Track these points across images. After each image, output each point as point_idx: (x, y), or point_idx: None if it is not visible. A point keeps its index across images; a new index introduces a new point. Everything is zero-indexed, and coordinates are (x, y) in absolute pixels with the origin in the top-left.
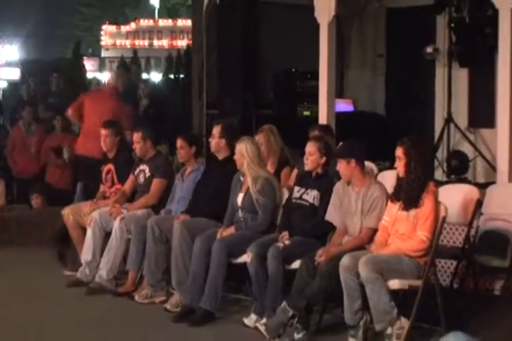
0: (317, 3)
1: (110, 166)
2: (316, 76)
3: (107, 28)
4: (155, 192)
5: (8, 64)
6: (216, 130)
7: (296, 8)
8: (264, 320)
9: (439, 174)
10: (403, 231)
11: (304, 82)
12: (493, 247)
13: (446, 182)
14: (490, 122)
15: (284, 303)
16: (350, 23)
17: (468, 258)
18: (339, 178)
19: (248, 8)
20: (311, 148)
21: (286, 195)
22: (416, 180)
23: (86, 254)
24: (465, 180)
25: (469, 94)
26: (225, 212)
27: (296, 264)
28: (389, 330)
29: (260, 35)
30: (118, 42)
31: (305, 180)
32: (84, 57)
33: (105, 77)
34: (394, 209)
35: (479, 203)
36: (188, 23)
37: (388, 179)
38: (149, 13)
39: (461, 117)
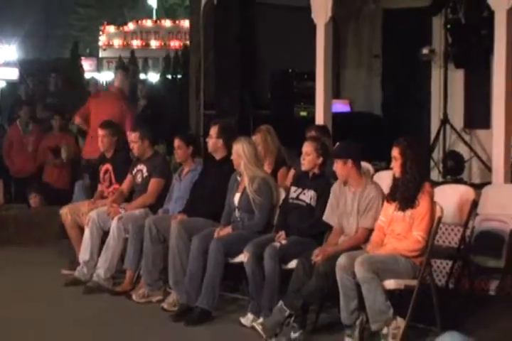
0: (314, 4)
1: (108, 166)
2: (312, 76)
3: (105, 29)
4: (152, 192)
5: (7, 64)
6: (213, 130)
7: (293, 9)
8: (260, 320)
9: (435, 174)
10: (399, 232)
11: (300, 83)
12: (489, 247)
13: (442, 183)
14: (485, 123)
15: (280, 303)
16: (346, 24)
17: (464, 258)
18: (336, 178)
19: (245, 8)
20: (307, 148)
21: (283, 195)
22: (412, 181)
23: (84, 253)
24: (461, 181)
25: (465, 95)
26: (222, 212)
27: (292, 264)
28: (385, 330)
29: (257, 36)
30: (116, 42)
31: (302, 180)
32: (82, 58)
33: (103, 77)
34: (390, 209)
35: (475, 203)
36: (186, 23)
37: (384, 179)
38: (147, 13)
39: (457, 118)
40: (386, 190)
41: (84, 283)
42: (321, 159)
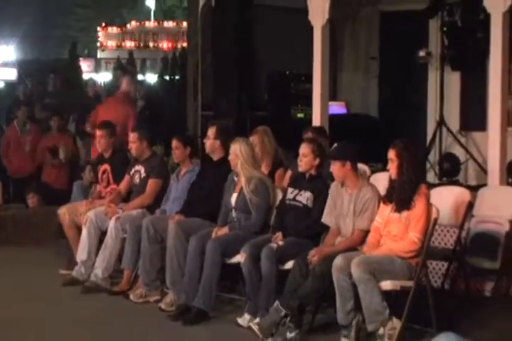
0: (311, 6)
1: (106, 166)
2: (309, 78)
3: (103, 29)
4: (150, 193)
5: (5, 64)
6: (211, 131)
7: (290, 11)
8: (257, 320)
9: (431, 176)
10: (395, 233)
11: (297, 85)
12: (484, 249)
13: (438, 185)
14: (481, 125)
15: (276, 303)
16: (343, 26)
17: (460, 259)
18: (333, 180)
19: (243, 10)
20: (304, 149)
21: (280, 196)
22: (408, 182)
23: (81, 253)
24: (457, 183)
25: (461, 97)
26: (219, 213)
27: (289, 265)
28: (381, 331)
29: (255, 38)
30: (114, 43)
31: (299, 181)
32: (81, 58)
33: (101, 77)
34: (386, 210)
35: (470, 205)
36: (184, 25)
37: (381, 181)
38: (145, 14)
39: (453, 120)
40: (382, 191)
41: (82, 283)
42: (317, 160)
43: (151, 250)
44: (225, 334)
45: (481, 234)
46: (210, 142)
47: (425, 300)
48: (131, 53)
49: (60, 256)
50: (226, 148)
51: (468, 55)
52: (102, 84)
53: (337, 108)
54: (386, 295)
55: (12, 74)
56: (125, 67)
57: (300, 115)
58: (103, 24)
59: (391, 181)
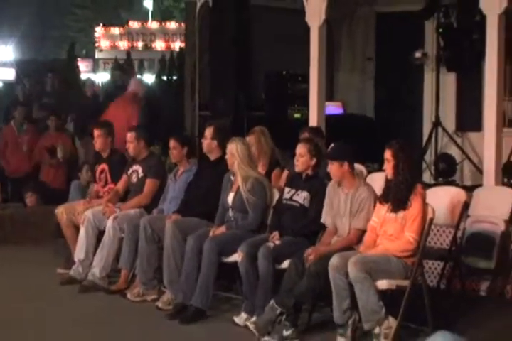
0: (308, 7)
1: (104, 166)
2: (306, 79)
3: (101, 30)
4: (148, 193)
5: (3, 64)
6: (208, 131)
7: (287, 11)
8: (254, 319)
9: (427, 176)
10: (391, 232)
11: (294, 85)
12: (480, 249)
13: (434, 185)
14: (477, 126)
15: (272, 301)
16: (340, 27)
17: (455, 259)
18: (329, 179)
19: (240, 11)
20: (301, 149)
21: (276, 195)
22: (404, 182)
23: (79, 253)
24: (452, 183)
25: (457, 98)
26: (216, 212)
27: (286, 264)
28: (377, 330)
29: (252, 38)
30: (112, 43)
31: (295, 181)
32: (79, 58)
33: (99, 78)
34: (382, 210)
35: (466, 205)
36: (181, 25)
37: (377, 181)
38: (143, 15)
39: (449, 121)
40: (379, 191)
41: (79, 282)
42: (314, 160)
43: (148, 249)
44: (222, 333)
45: (476, 234)
46: (208, 142)
47: (421, 300)
48: (129, 53)
49: (57, 255)
50: (223, 148)
51: (463, 56)
52: (100, 85)
53: (333, 108)
54: (382, 294)
55: (10, 74)
56: (123, 67)
57: (297, 115)
58: (101, 25)
59: (387, 181)
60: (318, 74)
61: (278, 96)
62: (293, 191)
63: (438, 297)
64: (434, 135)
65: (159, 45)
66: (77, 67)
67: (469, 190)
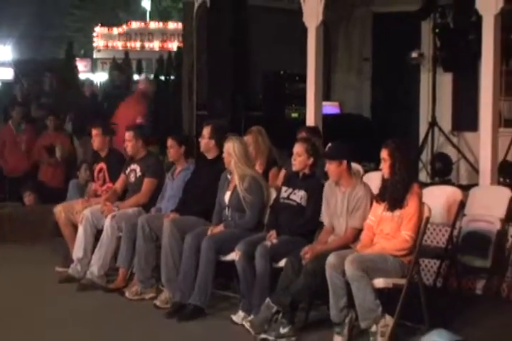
0: (305, 7)
1: (102, 165)
2: (304, 79)
3: (99, 30)
4: (146, 192)
5: (2, 64)
6: (206, 131)
7: (284, 12)
8: (251, 317)
9: (423, 176)
10: (388, 231)
11: (292, 85)
12: (476, 248)
13: (431, 184)
14: (473, 126)
15: (267, 300)
16: (337, 27)
17: (451, 258)
18: (326, 179)
19: (238, 11)
20: (298, 149)
21: (274, 194)
22: (400, 181)
23: (77, 251)
24: (448, 182)
25: (453, 98)
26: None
27: (283, 263)
28: (374, 328)
29: (250, 38)
30: (110, 43)
31: (292, 180)
32: (77, 58)
33: (97, 77)
34: (379, 209)
35: (462, 204)
36: (179, 25)
37: (374, 180)
38: (141, 15)
39: (445, 121)
40: (375, 190)
41: (78, 280)
42: (311, 160)
43: (146, 248)
44: (219, 331)
45: (472, 233)
46: (205, 141)
47: (417, 298)
48: (126, 53)
49: (56, 253)
50: (221, 148)
51: (460, 56)
52: (98, 84)
53: (330, 108)
54: (379, 292)
55: (9, 74)
56: (122, 67)
57: (294, 115)
58: (99, 25)
59: (384, 180)
60: (315, 75)
61: (275, 96)
62: (290, 190)
63: (434, 295)
64: (430, 135)
65: (157, 45)
66: (76, 66)
67: (465, 189)
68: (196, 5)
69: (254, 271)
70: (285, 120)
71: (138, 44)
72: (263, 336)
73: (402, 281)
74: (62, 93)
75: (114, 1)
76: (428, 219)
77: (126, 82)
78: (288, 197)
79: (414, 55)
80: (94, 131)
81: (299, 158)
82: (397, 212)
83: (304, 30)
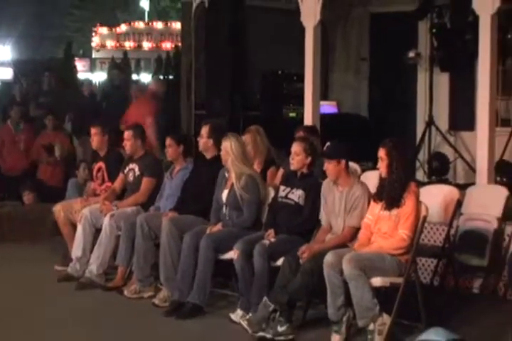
0: (303, 7)
1: (101, 164)
2: (301, 78)
3: (98, 30)
4: (144, 191)
5: (1, 64)
6: (204, 130)
7: (282, 12)
8: (249, 316)
9: (420, 175)
10: (385, 230)
11: (290, 84)
12: (473, 246)
13: (428, 183)
14: (470, 125)
15: (265, 298)
16: (334, 27)
17: (449, 256)
18: (324, 178)
19: (236, 11)
20: (296, 148)
21: (272, 194)
22: (398, 181)
23: (76, 250)
24: (445, 181)
25: (450, 98)
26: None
27: (281, 261)
28: (371, 326)
29: (247, 38)
30: (109, 43)
31: (290, 179)
32: (76, 58)
33: (96, 77)
34: (376, 208)
35: (459, 203)
36: (178, 25)
37: (371, 179)
38: (139, 15)
39: (442, 120)
40: (373, 189)
41: (76, 279)
42: (309, 159)
43: (145, 247)
44: (218, 330)
45: (469, 232)
46: (204, 141)
47: (414, 297)
48: (125, 53)
49: (55, 252)
50: (219, 147)
51: (457, 56)
52: (97, 84)
53: (328, 107)
54: (376, 291)
55: (8, 74)
56: (121, 66)
57: (292, 114)
58: (98, 25)
59: (381, 179)
60: (313, 74)
61: (273, 95)
62: (288, 189)
63: (431, 294)
64: (427, 134)
65: (155, 45)
66: (75, 66)
67: (462, 188)
68: (194, 5)
69: (253, 269)
70: (283, 119)
71: (136, 44)
72: (261, 334)
73: (400, 280)
74: (61, 92)
75: (113, 1)
76: (425, 218)
77: (126, 82)
78: (286, 196)
79: (411, 54)
80: (93, 131)
81: (297, 157)
82: (395, 211)
83: (302, 30)
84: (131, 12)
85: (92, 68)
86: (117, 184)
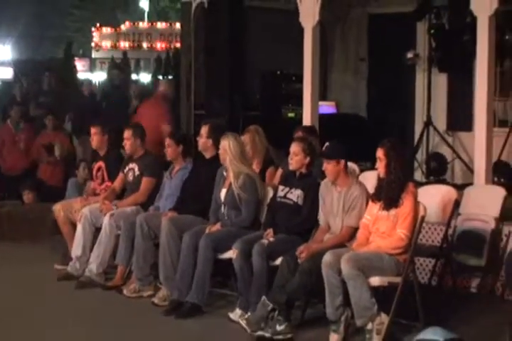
0: (302, 8)
1: (101, 164)
2: (300, 79)
3: (98, 30)
4: (144, 191)
5: (1, 63)
6: (204, 130)
7: (281, 12)
8: (248, 315)
9: (418, 175)
10: (383, 230)
11: (289, 85)
12: (470, 246)
13: (426, 183)
14: (468, 126)
15: (263, 298)
16: (333, 28)
17: (446, 256)
18: (323, 178)
19: (235, 12)
20: (295, 148)
21: (270, 193)
22: (396, 181)
23: (76, 249)
24: (443, 181)
25: (448, 98)
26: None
27: (280, 261)
28: (369, 326)
29: (247, 38)
30: (108, 43)
31: (289, 179)
32: (76, 58)
33: (96, 77)
34: (375, 208)
35: (457, 203)
36: (177, 26)
37: (369, 179)
38: (139, 16)
39: (440, 120)
40: (371, 189)
41: (76, 278)
42: (308, 159)
43: (144, 246)
44: (217, 329)
45: (467, 232)
46: (203, 141)
47: (412, 296)
48: (125, 53)
49: (55, 251)
50: (218, 147)
51: (455, 57)
52: (97, 84)
53: (327, 108)
54: (374, 290)
55: (8, 74)
56: (121, 66)
57: (291, 114)
58: (98, 25)
59: (379, 179)
60: (311, 75)
61: (272, 96)
62: (287, 189)
63: (429, 293)
64: (425, 134)
65: (155, 45)
66: (74, 66)
67: (460, 188)
68: (194, 5)
69: (251, 269)
70: (282, 120)
71: (136, 44)
72: (260, 333)
73: (398, 279)
74: (61, 92)
75: (113, 1)
76: (423, 218)
77: (125, 82)
78: (285, 196)
79: (409, 55)
80: (93, 130)
81: (296, 157)
82: (393, 211)
83: (301, 31)
84: (131, 12)
85: (91, 68)
86: (117, 183)
